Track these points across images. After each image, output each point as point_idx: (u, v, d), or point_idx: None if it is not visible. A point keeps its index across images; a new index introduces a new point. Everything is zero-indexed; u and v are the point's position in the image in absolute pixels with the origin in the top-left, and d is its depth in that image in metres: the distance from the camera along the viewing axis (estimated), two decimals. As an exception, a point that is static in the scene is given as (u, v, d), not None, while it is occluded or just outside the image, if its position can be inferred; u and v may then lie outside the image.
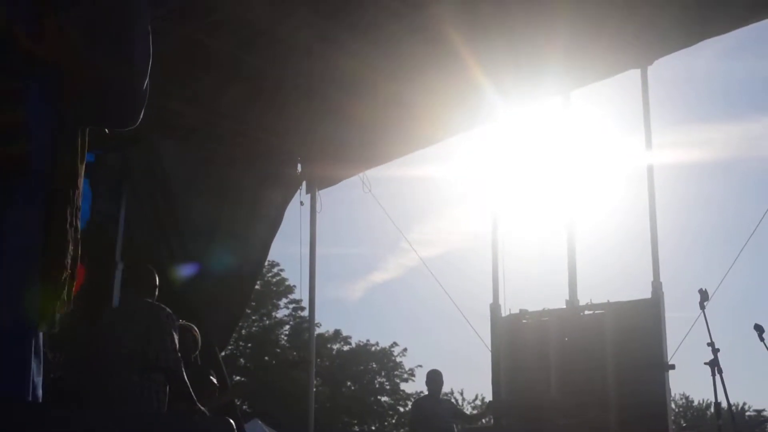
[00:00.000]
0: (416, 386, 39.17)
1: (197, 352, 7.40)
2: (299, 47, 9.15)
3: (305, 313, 32.72)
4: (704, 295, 6.20)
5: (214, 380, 7.52)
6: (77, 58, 2.58)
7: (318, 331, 33.88)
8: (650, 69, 9.28)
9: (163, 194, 9.62)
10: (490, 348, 9.85)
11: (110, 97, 2.68)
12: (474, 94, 9.64)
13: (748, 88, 56.13)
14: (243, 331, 36.29)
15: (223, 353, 10.03)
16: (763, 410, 40.69)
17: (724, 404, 6.45)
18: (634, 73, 9.35)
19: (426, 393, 10.77)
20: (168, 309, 6.48)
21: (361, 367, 39.86)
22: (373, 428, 40.12)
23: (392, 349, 40.95)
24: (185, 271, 9.50)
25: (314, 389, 6.19)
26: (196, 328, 7.39)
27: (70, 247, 2.55)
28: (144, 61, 2.69)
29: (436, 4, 8.44)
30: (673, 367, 8.45)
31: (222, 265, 9.98)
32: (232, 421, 2.47)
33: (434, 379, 10.36)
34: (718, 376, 6.02)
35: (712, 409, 6.99)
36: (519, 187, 11.25)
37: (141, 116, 2.80)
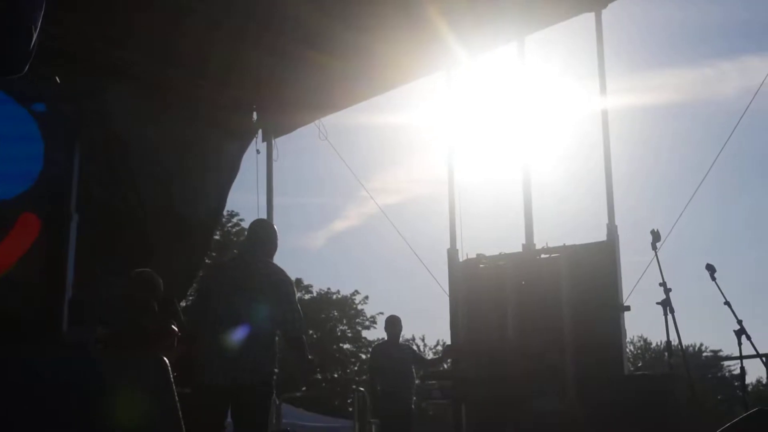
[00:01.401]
0: (378, 333, 39.37)
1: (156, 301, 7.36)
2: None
3: (265, 262, 32.55)
4: (656, 236, 6.26)
5: (175, 329, 7.50)
6: None
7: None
8: (604, 13, 9.30)
9: (117, 145, 9.52)
10: (447, 293, 9.93)
11: None
12: (431, 39, 9.59)
13: (703, 33, 56.35)
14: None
15: (182, 303, 10.00)
16: (719, 351, 41.40)
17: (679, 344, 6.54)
18: (589, 18, 9.36)
19: (385, 339, 10.84)
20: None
21: (323, 316, 39.95)
22: (335, 375, 40.37)
23: (353, 297, 41.10)
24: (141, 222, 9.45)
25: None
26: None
27: None
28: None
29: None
30: (628, 308, 8.56)
31: (178, 214, 9.93)
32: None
33: (393, 323, 10.42)
34: (670, 316, 6.11)
35: (670, 350, 7.10)
36: (475, 133, 11.27)
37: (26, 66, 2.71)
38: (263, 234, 6.54)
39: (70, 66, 9.16)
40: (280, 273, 6.26)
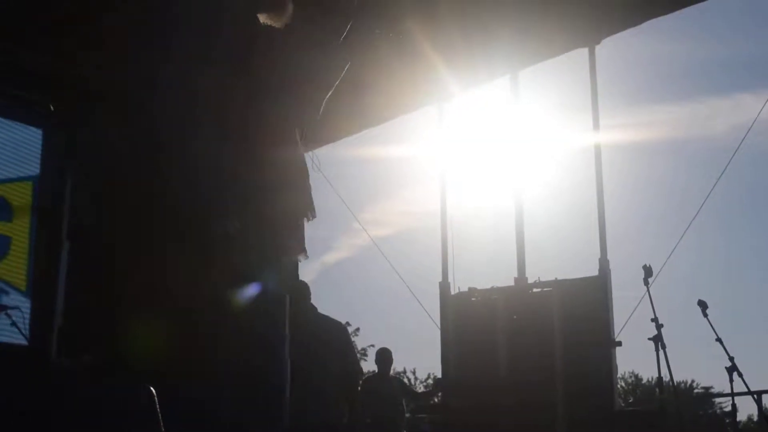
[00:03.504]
0: (369, 365, 39.19)
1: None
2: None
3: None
4: (648, 271, 6.25)
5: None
6: None
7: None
8: (598, 48, 9.34)
9: (109, 174, 9.46)
10: (439, 326, 9.89)
11: None
12: (425, 72, 9.63)
13: (695, 70, 56.74)
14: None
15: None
16: (711, 387, 41.30)
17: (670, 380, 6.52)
18: (582, 53, 9.40)
19: (376, 371, 10.78)
20: None
21: (313, 347, 39.76)
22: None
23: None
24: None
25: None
26: None
27: None
28: None
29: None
30: (619, 344, 8.54)
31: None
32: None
33: (383, 357, 10.36)
34: (661, 352, 6.08)
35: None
36: (468, 166, 11.27)
37: None
38: None
39: (65, 92, 9.18)
40: None
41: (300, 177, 2.82)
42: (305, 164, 2.86)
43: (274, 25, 2.74)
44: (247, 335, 2.57)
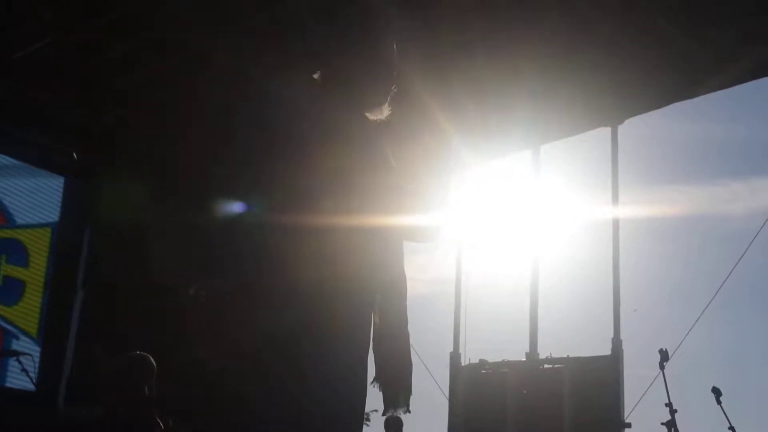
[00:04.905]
0: (371, 431, 38.88)
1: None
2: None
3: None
4: (664, 355, 6.20)
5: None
6: None
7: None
8: (621, 128, 9.38)
9: (132, 230, 9.49)
10: (448, 397, 9.82)
11: None
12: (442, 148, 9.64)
13: (716, 152, 56.70)
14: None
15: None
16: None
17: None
18: (605, 131, 9.44)
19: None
20: None
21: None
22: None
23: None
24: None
25: None
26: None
27: None
28: None
29: (403, 61, 8.41)
30: (629, 425, 8.45)
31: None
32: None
33: (396, 427, 10.25)
34: (674, 437, 6.01)
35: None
36: (484, 235, 11.25)
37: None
38: None
39: (89, 143, 9.26)
40: None
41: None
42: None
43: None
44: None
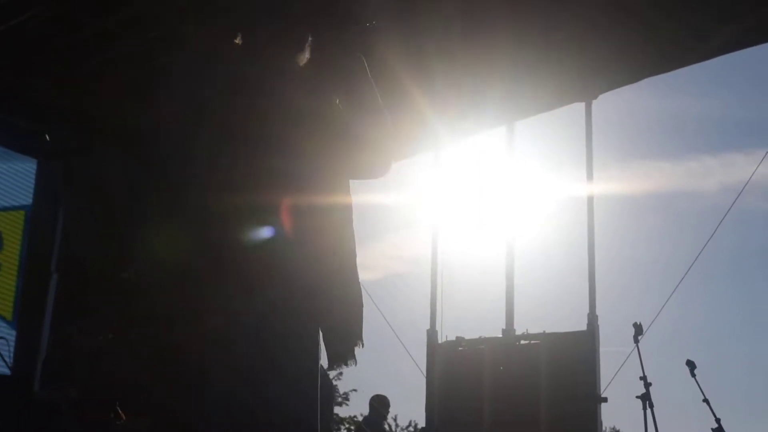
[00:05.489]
0: (350, 410, 38.93)
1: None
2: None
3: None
4: (638, 329, 6.26)
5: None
6: None
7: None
8: (595, 103, 9.40)
9: (106, 209, 9.43)
10: (425, 374, 9.85)
11: None
12: (417, 124, 9.65)
13: (690, 127, 56.94)
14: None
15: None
16: (695, 448, 41.09)
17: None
18: (579, 106, 9.46)
19: (368, 416, 10.71)
20: None
21: (295, 389, 39.46)
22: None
23: (327, 373, 40.64)
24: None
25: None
26: None
27: None
28: None
29: (380, 37, 8.39)
30: (605, 399, 8.50)
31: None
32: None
33: (384, 404, 10.30)
34: (649, 411, 6.07)
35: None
36: (459, 213, 11.28)
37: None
38: None
39: (60, 122, 9.18)
40: None
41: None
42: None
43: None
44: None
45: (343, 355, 2.62)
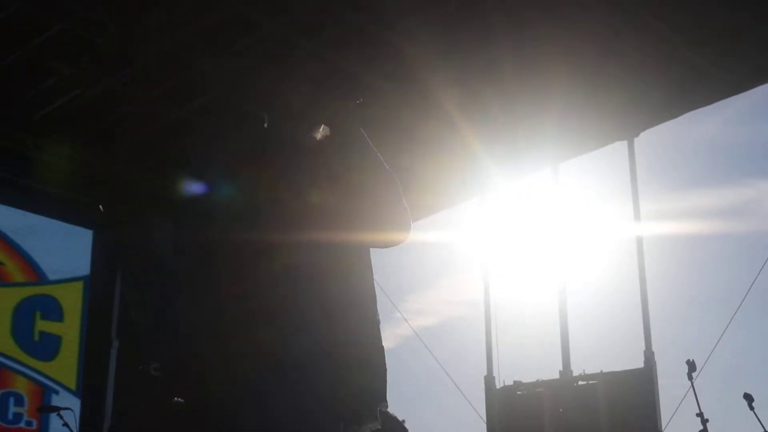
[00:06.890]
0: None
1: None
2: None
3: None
4: (692, 366, 6.21)
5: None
6: None
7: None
8: (637, 140, 9.42)
9: (158, 275, 9.62)
10: (485, 420, 9.83)
11: None
12: (468, 166, 9.74)
13: (738, 152, 56.25)
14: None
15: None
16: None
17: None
18: (622, 144, 9.49)
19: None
20: None
21: (358, 440, 39.35)
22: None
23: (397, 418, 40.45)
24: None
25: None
26: None
27: None
28: None
29: (434, 78, 8.47)
30: (667, 435, 8.45)
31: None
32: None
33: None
34: (708, 447, 6.02)
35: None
36: (511, 256, 11.28)
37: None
38: None
39: (113, 194, 9.41)
40: None
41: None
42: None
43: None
44: None
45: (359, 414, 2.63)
